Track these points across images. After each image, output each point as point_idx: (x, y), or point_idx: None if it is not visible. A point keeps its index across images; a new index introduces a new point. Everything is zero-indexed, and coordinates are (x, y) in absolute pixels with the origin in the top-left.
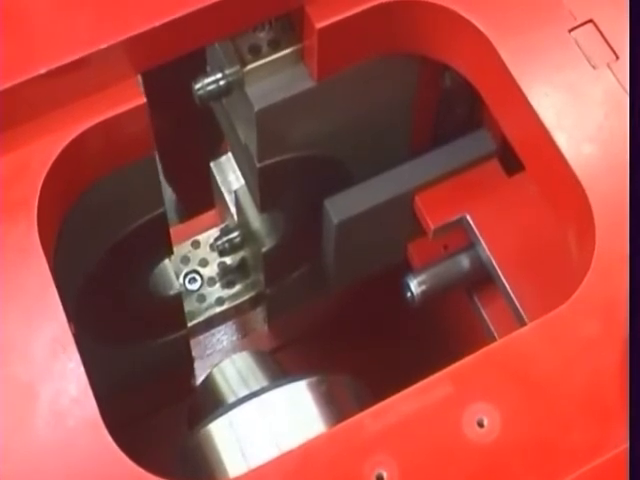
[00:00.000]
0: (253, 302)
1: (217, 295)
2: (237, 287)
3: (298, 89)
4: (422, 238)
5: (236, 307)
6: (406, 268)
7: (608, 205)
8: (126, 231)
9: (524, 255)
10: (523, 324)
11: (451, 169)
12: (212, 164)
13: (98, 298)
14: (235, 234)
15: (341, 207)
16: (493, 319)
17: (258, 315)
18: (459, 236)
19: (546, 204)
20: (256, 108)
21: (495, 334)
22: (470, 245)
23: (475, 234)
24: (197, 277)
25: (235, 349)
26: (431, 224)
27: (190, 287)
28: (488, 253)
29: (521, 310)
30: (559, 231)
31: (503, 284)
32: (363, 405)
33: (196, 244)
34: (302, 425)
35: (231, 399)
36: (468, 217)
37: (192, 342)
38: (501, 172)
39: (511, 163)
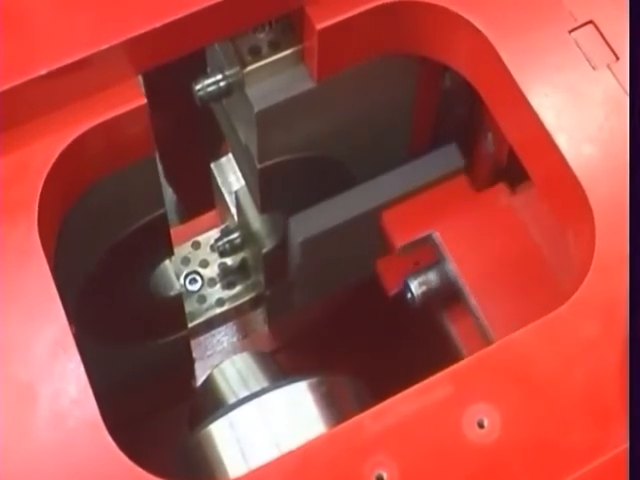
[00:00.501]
0: (253, 303)
1: (217, 296)
2: (237, 288)
3: (298, 90)
4: (392, 255)
5: (236, 308)
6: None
7: (608, 205)
8: (126, 232)
9: (493, 272)
10: (491, 341)
11: (418, 186)
12: (212, 165)
13: (98, 298)
14: (235, 235)
15: (305, 225)
16: (462, 336)
17: (258, 316)
18: (431, 251)
19: (516, 219)
20: (256, 109)
21: (463, 350)
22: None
23: (443, 251)
24: (197, 278)
25: (235, 350)
26: (397, 242)
27: (190, 288)
28: (456, 271)
29: (488, 327)
30: (529, 247)
31: (471, 302)
32: (363, 406)
33: (196, 245)
34: (302, 426)
35: (231, 400)
36: (435, 234)
37: (192, 343)
38: (469, 188)
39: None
